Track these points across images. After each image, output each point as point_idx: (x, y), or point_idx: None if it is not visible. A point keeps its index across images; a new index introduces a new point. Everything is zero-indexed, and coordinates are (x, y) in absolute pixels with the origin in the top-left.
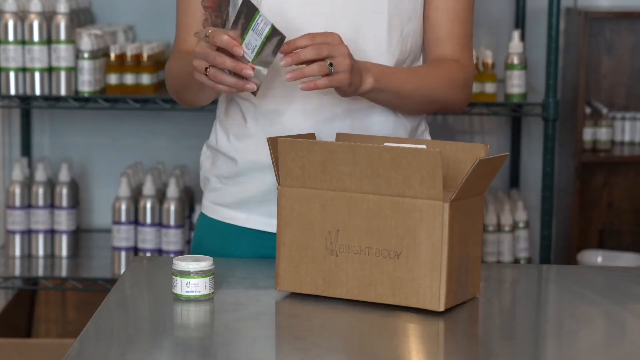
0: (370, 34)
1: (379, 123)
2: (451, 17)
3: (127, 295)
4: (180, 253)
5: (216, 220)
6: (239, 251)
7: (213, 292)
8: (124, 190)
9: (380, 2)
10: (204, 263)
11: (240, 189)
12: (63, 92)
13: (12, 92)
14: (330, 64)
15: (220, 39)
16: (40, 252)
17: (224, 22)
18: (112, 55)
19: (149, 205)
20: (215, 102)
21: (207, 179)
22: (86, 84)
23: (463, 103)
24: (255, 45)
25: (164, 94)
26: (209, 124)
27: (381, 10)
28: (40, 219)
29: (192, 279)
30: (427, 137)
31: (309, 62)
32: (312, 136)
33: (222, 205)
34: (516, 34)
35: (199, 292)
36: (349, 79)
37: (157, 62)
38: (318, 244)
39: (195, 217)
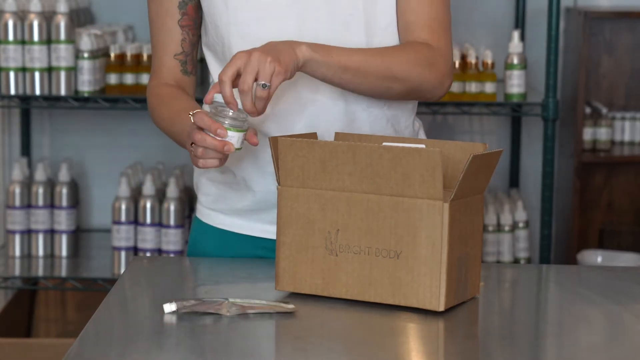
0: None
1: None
2: (418, 0)
3: (127, 295)
4: (180, 253)
5: (211, 226)
6: (235, 255)
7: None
8: (123, 190)
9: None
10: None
11: (237, 196)
12: (63, 92)
13: (12, 92)
14: (264, 85)
15: (202, 121)
16: (40, 252)
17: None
18: (112, 55)
19: (148, 205)
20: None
21: (200, 181)
22: (86, 84)
23: (437, 85)
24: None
25: None
26: None
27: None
28: (40, 219)
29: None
30: (422, 135)
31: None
32: (313, 136)
33: (216, 211)
34: (516, 34)
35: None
36: (282, 64)
37: None
38: (318, 244)
39: None
